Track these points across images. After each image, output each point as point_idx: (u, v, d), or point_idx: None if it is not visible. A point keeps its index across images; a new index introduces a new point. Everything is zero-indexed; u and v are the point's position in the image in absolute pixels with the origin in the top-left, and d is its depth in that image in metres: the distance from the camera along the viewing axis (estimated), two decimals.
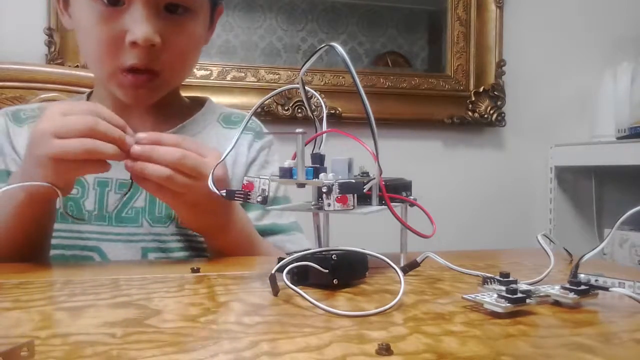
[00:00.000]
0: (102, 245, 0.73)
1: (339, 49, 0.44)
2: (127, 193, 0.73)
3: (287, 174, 0.48)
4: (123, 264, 0.64)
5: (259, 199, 0.47)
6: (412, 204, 0.52)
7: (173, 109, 0.80)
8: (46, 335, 0.32)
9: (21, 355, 0.27)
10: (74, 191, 0.71)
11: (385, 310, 0.38)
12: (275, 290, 0.42)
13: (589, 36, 1.79)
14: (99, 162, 0.54)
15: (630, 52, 1.74)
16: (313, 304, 0.38)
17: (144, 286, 0.45)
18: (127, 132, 0.56)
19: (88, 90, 0.99)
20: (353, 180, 0.47)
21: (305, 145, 0.48)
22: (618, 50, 1.76)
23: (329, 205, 0.45)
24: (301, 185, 0.47)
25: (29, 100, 0.99)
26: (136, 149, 0.55)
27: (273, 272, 0.42)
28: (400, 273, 0.42)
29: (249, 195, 0.47)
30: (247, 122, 0.53)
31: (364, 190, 0.47)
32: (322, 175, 0.46)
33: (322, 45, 0.47)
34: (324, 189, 0.45)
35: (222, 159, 0.52)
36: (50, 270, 0.55)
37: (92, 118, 0.53)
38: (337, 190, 0.45)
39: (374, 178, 0.48)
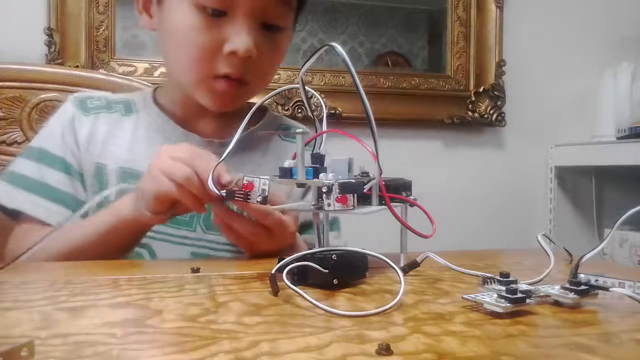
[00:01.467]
0: (153, 244, 0.73)
1: (339, 48, 0.44)
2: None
3: (287, 173, 0.48)
4: (123, 264, 0.64)
5: (259, 199, 0.47)
6: (411, 204, 0.52)
7: (236, 116, 0.79)
8: (46, 335, 0.32)
9: (21, 355, 0.27)
10: (131, 180, 0.73)
11: (385, 310, 0.38)
12: (275, 291, 0.41)
13: (589, 36, 1.79)
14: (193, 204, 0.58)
15: (630, 52, 1.74)
16: (313, 304, 0.38)
17: (144, 286, 0.45)
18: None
19: (88, 90, 0.99)
20: (353, 180, 0.47)
21: (306, 145, 0.48)
22: (618, 50, 1.76)
23: (329, 205, 0.45)
24: (301, 185, 0.47)
25: (29, 101, 0.99)
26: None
27: (273, 272, 0.42)
28: (400, 273, 0.42)
29: (249, 195, 0.47)
30: (250, 116, 0.53)
31: (364, 191, 0.47)
32: (322, 175, 0.46)
33: (322, 45, 0.47)
34: (324, 189, 0.45)
35: (221, 159, 0.52)
36: (51, 270, 0.55)
37: (189, 173, 0.56)
38: (337, 190, 0.45)
39: (374, 178, 0.48)
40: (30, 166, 0.73)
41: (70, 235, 0.64)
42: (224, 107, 0.75)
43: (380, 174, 0.46)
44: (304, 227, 0.80)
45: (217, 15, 0.69)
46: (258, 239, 0.60)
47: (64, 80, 1.00)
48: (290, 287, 0.40)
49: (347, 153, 0.48)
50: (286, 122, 0.88)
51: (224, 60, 0.70)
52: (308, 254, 0.44)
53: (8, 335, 0.32)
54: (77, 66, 1.37)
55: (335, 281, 0.44)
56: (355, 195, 0.46)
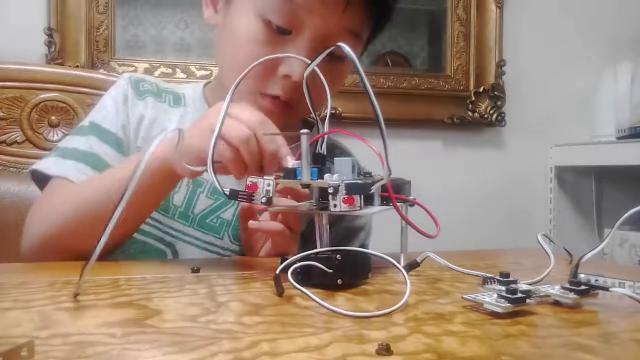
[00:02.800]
0: (177, 244, 0.72)
1: (347, 48, 0.44)
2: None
3: (291, 174, 0.47)
4: (123, 264, 0.64)
5: (263, 200, 0.47)
6: (412, 204, 0.52)
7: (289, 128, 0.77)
8: (46, 335, 0.32)
9: (21, 355, 0.27)
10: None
11: (394, 310, 0.37)
12: (280, 291, 0.41)
13: (589, 36, 1.79)
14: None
15: (630, 52, 1.74)
16: (322, 305, 0.38)
17: (144, 286, 0.45)
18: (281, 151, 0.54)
19: (87, 90, 0.99)
20: (360, 181, 0.46)
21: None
22: (618, 50, 1.76)
23: (335, 206, 0.45)
24: (306, 186, 0.47)
25: (29, 101, 0.99)
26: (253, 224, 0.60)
27: (277, 272, 0.42)
28: (406, 274, 0.42)
29: (253, 195, 0.47)
30: (232, 93, 0.50)
31: (371, 192, 0.47)
32: (327, 176, 0.46)
33: (331, 46, 0.46)
34: (330, 190, 0.44)
35: (210, 149, 0.48)
36: (51, 270, 0.55)
37: (248, 136, 0.52)
38: (344, 191, 0.44)
39: (381, 179, 0.48)
40: (81, 140, 0.72)
41: (104, 181, 0.62)
42: None
43: (389, 175, 0.46)
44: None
45: (281, 33, 0.66)
46: (280, 240, 0.60)
47: (64, 80, 1.00)
48: (296, 287, 0.40)
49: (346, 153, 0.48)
50: (330, 141, 0.85)
51: (277, 81, 0.67)
52: (311, 254, 0.44)
53: (8, 335, 0.32)
54: (77, 66, 1.37)
55: (339, 281, 0.44)
56: (362, 196, 0.46)
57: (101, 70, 1.40)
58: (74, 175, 0.68)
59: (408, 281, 0.41)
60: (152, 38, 1.57)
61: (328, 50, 0.47)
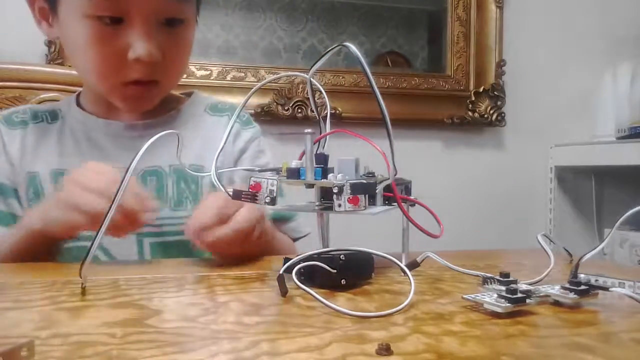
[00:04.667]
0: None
1: (353, 48, 0.43)
2: None
3: (294, 174, 0.47)
4: (123, 264, 0.64)
5: (267, 200, 0.46)
6: (412, 204, 0.52)
7: (161, 102, 0.81)
8: (46, 335, 0.32)
9: (21, 355, 0.27)
10: (153, 182, 0.75)
11: (399, 310, 0.38)
12: (284, 291, 0.41)
13: (589, 36, 1.79)
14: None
15: (630, 52, 1.74)
16: (328, 305, 0.38)
17: (144, 286, 0.45)
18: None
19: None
20: (364, 181, 0.46)
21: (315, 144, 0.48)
22: (618, 50, 1.76)
23: (339, 206, 0.45)
24: (310, 186, 0.47)
25: (29, 101, 0.99)
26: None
27: (281, 272, 0.42)
28: (410, 274, 0.42)
29: (257, 196, 0.47)
30: (238, 113, 0.53)
31: (377, 191, 0.47)
32: (330, 175, 0.46)
33: (336, 45, 0.46)
34: (335, 190, 0.44)
35: (217, 153, 0.51)
36: (50, 270, 0.55)
37: (101, 206, 0.53)
38: (349, 191, 0.44)
39: (387, 178, 0.48)
40: None
41: None
42: (138, 110, 0.77)
43: (395, 175, 0.46)
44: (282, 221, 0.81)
45: (114, 23, 0.68)
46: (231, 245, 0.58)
47: (64, 80, 1.00)
48: (301, 288, 0.40)
49: (348, 153, 0.48)
50: (213, 101, 0.89)
51: (131, 67, 0.69)
52: (315, 254, 0.44)
53: (8, 335, 0.32)
54: None
55: (343, 281, 0.44)
56: (367, 195, 0.45)
57: None
58: None
59: (412, 281, 0.41)
60: None
61: (334, 51, 0.46)
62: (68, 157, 0.76)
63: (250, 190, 0.47)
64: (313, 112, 0.53)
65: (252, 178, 0.47)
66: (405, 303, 0.38)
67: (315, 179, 0.46)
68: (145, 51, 0.68)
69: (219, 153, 0.49)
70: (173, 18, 0.71)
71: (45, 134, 0.78)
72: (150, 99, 0.76)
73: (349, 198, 0.44)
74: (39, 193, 0.74)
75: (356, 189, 0.45)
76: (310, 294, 0.39)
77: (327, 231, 0.52)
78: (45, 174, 0.75)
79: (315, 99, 0.54)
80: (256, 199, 0.47)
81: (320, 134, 0.50)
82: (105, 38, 0.68)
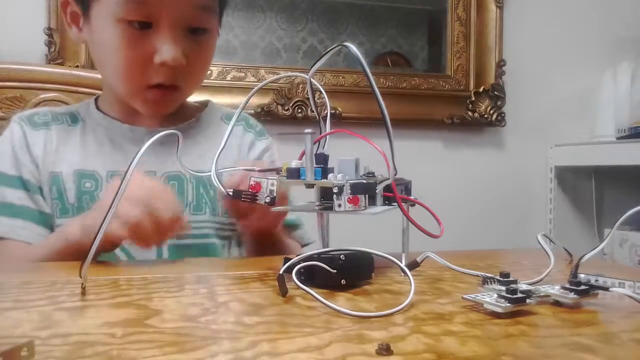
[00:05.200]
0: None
1: (353, 48, 0.43)
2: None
3: (294, 174, 0.47)
4: (123, 264, 0.64)
5: (267, 200, 0.46)
6: (412, 203, 0.52)
7: (179, 110, 0.83)
8: (46, 335, 0.32)
9: (21, 355, 0.27)
10: (87, 184, 0.76)
11: (399, 310, 0.38)
12: (284, 291, 0.41)
13: (589, 36, 1.79)
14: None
15: (630, 52, 1.74)
16: (328, 305, 0.38)
17: (144, 286, 0.45)
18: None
19: (87, 90, 0.99)
20: (365, 181, 0.46)
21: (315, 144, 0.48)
22: (618, 50, 1.76)
23: (339, 206, 0.44)
24: (310, 186, 0.47)
25: (29, 101, 0.99)
26: None
27: (281, 272, 0.42)
28: (410, 275, 0.42)
29: (257, 196, 0.47)
30: (239, 113, 0.53)
31: (377, 191, 0.47)
32: (330, 175, 0.46)
33: (336, 45, 0.46)
34: (335, 190, 0.44)
35: (216, 155, 0.51)
36: (50, 270, 0.55)
37: (141, 215, 0.56)
38: (349, 191, 0.44)
39: (387, 178, 0.48)
40: None
41: (28, 255, 0.67)
42: (158, 114, 0.80)
43: (395, 175, 0.46)
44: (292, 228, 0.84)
45: (143, 28, 0.70)
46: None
47: (64, 80, 1.00)
48: (301, 288, 0.40)
49: (348, 153, 0.48)
50: (228, 111, 0.92)
51: (156, 70, 0.72)
52: (315, 254, 0.44)
53: (8, 335, 0.32)
54: (77, 66, 1.37)
55: (343, 281, 0.44)
56: (367, 195, 0.45)
57: None
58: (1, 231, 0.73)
59: (412, 281, 0.41)
60: None
61: (333, 51, 0.46)
62: (91, 159, 0.78)
63: (250, 190, 0.47)
64: (313, 112, 0.53)
65: (252, 178, 0.47)
66: (406, 303, 0.38)
67: (316, 179, 0.46)
68: (171, 55, 0.71)
69: (219, 153, 0.50)
70: (198, 27, 0.74)
71: (68, 135, 0.80)
72: (170, 104, 0.78)
73: (349, 198, 0.44)
74: (62, 193, 0.76)
75: (356, 189, 0.45)
76: (310, 294, 0.39)
77: (327, 231, 0.52)
78: (68, 174, 0.77)
79: (315, 99, 0.54)
80: (256, 199, 0.47)
81: (320, 134, 0.50)
82: (134, 41, 0.71)
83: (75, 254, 0.62)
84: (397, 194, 0.47)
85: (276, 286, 0.42)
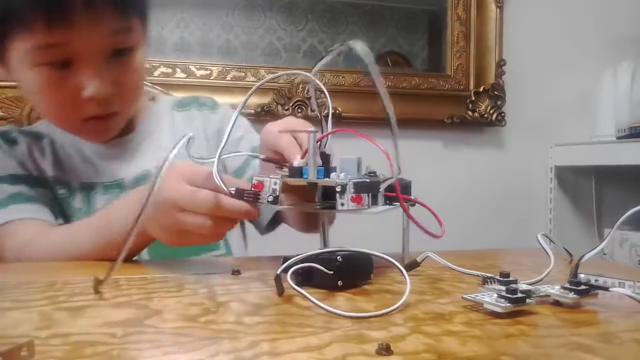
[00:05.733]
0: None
1: (358, 48, 0.43)
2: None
3: (297, 173, 0.47)
4: (123, 264, 0.64)
5: (269, 199, 0.46)
6: (413, 203, 0.52)
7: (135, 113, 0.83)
8: (46, 335, 0.32)
9: (21, 355, 0.27)
10: (61, 191, 0.76)
11: (392, 310, 0.37)
12: (281, 291, 0.41)
13: (589, 36, 1.79)
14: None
15: (630, 52, 1.74)
16: (320, 306, 0.38)
17: (144, 286, 0.45)
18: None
19: None
20: (368, 180, 0.46)
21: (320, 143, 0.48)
22: (618, 50, 1.76)
23: (342, 205, 0.44)
24: (312, 184, 0.47)
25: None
26: None
27: (278, 272, 0.42)
28: (406, 274, 0.42)
29: (259, 195, 0.47)
30: (238, 113, 0.52)
31: (380, 190, 0.47)
32: (333, 174, 0.46)
33: (340, 44, 0.46)
34: (338, 189, 0.44)
35: (217, 155, 0.50)
36: (50, 270, 0.55)
37: (215, 198, 0.49)
38: (352, 190, 0.44)
39: (390, 177, 0.48)
40: None
41: (63, 239, 0.65)
42: (102, 140, 0.79)
43: (399, 174, 0.46)
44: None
45: (64, 67, 0.68)
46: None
47: None
48: (294, 289, 0.40)
49: (348, 153, 0.48)
50: (177, 98, 0.92)
51: (87, 104, 0.70)
52: (312, 254, 0.44)
53: (8, 335, 0.32)
54: None
55: (339, 283, 0.44)
56: (370, 194, 0.45)
57: None
58: (18, 214, 0.71)
59: (408, 280, 0.41)
60: (152, 38, 1.57)
61: (337, 50, 0.46)
62: (62, 170, 0.78)
63: (252, 189, 0.47)
64: (314, 111, 0.53)
65: (255, 177, 0.47)
66: (400, 303, 0.38)
67: (318, 178, 0.46)
68: (97, 90, 0.68)
69: (221, 151, 0.49)
70: (121, 49, 0.71)
71: (38, 149, 0.80)
72: (112, 130, 0.77)
73: (352, 197, 0.44)
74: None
75: (360, 187, 0.44)
76: (305, 296, 0.39)
77: (327, 231, 0.52)
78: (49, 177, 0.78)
79: (329, 100, 0.54)
80: (259, 199, 0.47)
81: (322, 133, 0.50)
82: (57, 82, 0.68)
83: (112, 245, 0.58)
84: (399, 193, 0.47)
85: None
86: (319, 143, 0.49)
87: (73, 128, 0.75)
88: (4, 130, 0.83)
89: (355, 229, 0.91)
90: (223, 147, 0.49)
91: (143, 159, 0.80)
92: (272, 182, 0.46)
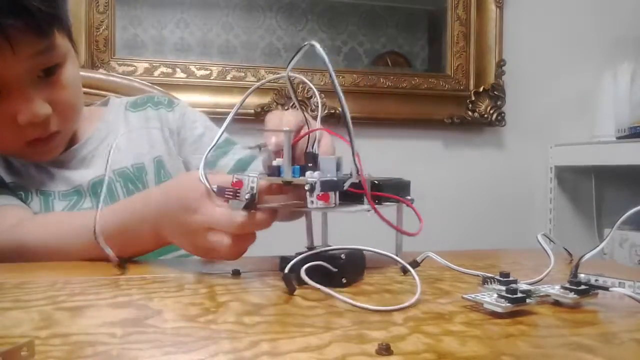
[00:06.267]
0: None
1: (318, 47, 0.45)
2: None
3: (275, 171, 0.48)
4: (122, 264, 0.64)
5: (247, 197, 0.47)
6: (398, 202, 0.52)
7: (82, 123, 0.81)
8: (46, 335, 0.32)
9: (21, 355, 0.27)
10: (20, 194, 0.75)
11: (409, 305, 0.38)
12: (292, 289, 0.42)
13: (589, 36, 1.79)
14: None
15: (630, 52, 1.74)
16: (347, 302, 0.38)
17: (144, 286, 0.45)
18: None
19: (88, 90, 0.99)
20: (335, 178, 0.47)
21: (295, 144, 0.49)
22: (618, 50, 1.76)
23: (312, 202, 0.45)
24: (287, 183, 0.48)
25: None
26: None
27: (286, 271, 0.43)
28: (414, 272, 0.42)
29: (238, 192, 0.48)
30: (232, 115, 0.52)
31: (344, 188, 0.47)
32: (307, 173, 0.46)
33: (304, 44, 0.47)
34: (307, 187, 0.45)
35: (204, 156, 0.51)
36: (50, 270, 0.55)
37: (242, 221, 0.49)
38: (319, 188, 0.45)
39: (350, 176, 0.48)
40: None
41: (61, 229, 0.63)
42: (49, 159, 0.77)
43: (358, 172, 0.46)
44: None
45: None
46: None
47: None
48: (311, 285, 0.41)
49: (348, 152, 0.48)
50: (131, 99, 0.89)
51: (27, 129, 0.68)
52: (314, 253, 0.45)
53: (8, 335, 0.32)
54: None
55: (344, 280, 0.44)
56: (337, 192, 0.46)
57: (101, 70, 1.41)
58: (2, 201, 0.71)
59: (417, 278, 0.41)
60: (152, 38, 1.57)
61: (303, 51, 0.47)
62: (20, 177, 0.77)
63: (232, 187, 0.48)
64: (313, 111, 0.53)
65: (235, 176, 0.48)
66: (415, 298, 0.39)
67: (293, 177, 0.47)
68: (31, 115, 0.67)
69: (207, 154, 0.50)
70: (47, 68, 0.69)
71: None
72: (56, 148, 0.76)
73: (318, 195, 0.45)
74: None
75: (325, 186, 0.45)
76: (322, 290, 0.40)
77: (324, 230, 0.53)
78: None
79: (318, 97, 0.55)
80: (238, 196, 0.48)
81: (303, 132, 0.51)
82: None
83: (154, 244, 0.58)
84: (367, 191, 0.47)
85: (276, 286, 0.42)
86: (307, 143, 0.50)
87: (17, 152, 0.74)
88: None
89: (356, 229, 0.91)
90: (212, 148, 0.51)
91: (97, 165, 0.79)
92: (250, 180, 0.47)
